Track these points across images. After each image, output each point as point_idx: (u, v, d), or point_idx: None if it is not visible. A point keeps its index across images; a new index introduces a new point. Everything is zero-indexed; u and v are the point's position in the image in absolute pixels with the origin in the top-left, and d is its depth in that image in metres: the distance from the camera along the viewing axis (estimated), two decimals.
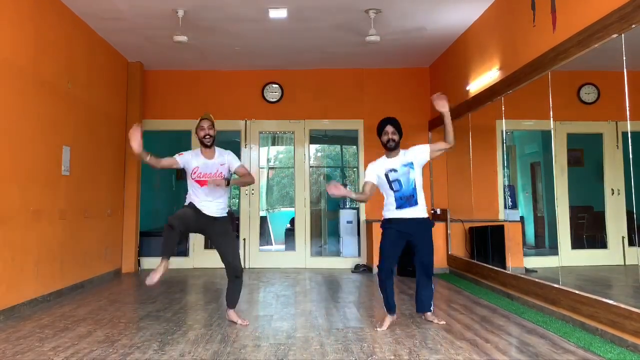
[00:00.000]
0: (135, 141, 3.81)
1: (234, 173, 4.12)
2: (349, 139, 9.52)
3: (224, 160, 4.02)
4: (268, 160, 11.30)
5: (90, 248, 6.18)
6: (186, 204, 4.00)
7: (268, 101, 8.00)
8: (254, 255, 7.79)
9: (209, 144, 3.96)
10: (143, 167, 7.69)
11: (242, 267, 4.08)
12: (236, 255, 4.08)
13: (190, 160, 3.97)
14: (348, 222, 8.15)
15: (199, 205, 3.93)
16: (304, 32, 6.40)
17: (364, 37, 6.04)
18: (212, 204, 3.95)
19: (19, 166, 4.65)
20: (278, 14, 5.76)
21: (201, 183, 3.93)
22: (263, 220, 9.06)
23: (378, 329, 3.90)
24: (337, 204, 9.50)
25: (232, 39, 6.61)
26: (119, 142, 7.26)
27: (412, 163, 3.98)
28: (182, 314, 4.52)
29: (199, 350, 3.38)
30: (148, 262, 7.62)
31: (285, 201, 12.03)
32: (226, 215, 4.07)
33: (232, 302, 4.15)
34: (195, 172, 3.95)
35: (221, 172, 3.98)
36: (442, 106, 4.01)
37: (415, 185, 3.97)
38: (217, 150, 4.04)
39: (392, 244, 4.02)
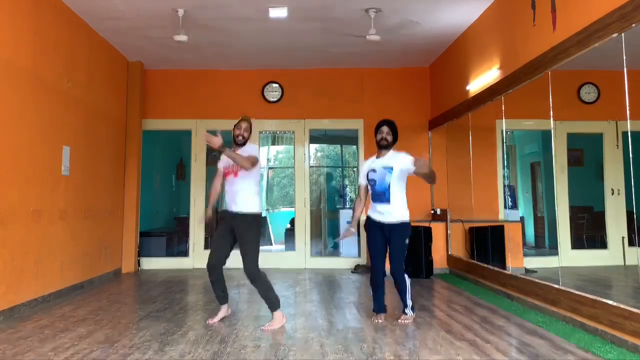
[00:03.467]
0: (216, 141, 3.87)
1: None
2: (349, 138, 9.52)
3: (245, 150, 4.18)
4: (268, 160, 11.31)
5: (90, 248, 6.18)
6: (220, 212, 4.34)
7: (268, 101, 8.00)
8: None
9: (240, 143, 4.20)
10: (143, 167, 7.69)
11: (258, 270, 4.05)
12: (248, 259, 4.03)
13: (222, 159, 4.27)
14: (348, 222, 8.13)
15: (226, 202, 4.19)
16: (304, 31, 6.40)
17: (364, 37, 6.04)
18: (231, 196, 4.12)
19: (19, 166, 4.65)
20: (278, 13, 5.76)
21: (225, 174, 4.20)
22: (263, 220, 9.06)
23: (378, 321, 4.18)
24: (337, 204, 9.51)
25: (232, 38, 6.61)
26: (119, 142, 7.26)
27: (392, 168, 4.16)
28: (182, 315, 4.52)
29: (199, 350, 3.37)
30: (148, 262, 7.63)
31: (285, 201, 12.03)
32: (248, 213, 4.05)
33: (268, 305, 4.11)
34: (223, 163, 4.27)
35: (235, 165, 4.12)
36: (423, 169, 3.97)
37: (389, 187, 4.16)
38: (247, 147, 4.21)
39: (375, 242, 4.26)
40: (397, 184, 4.17)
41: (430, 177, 4.08)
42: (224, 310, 4.27)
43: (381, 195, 4.19)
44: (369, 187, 4.30)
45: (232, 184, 4.12)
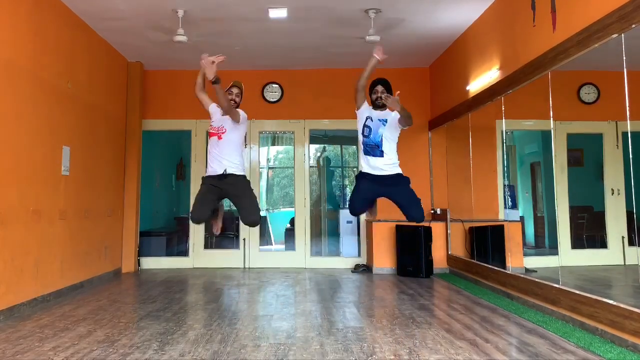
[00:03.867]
0: (210, 71, 3.98)
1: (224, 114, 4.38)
2: (349, 139, 9.52)
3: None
4: (268, 160, 11.30)
5: (90, 248, 6.18)
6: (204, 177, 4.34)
7: (268, 101, 8.00)
8: (254, 255, 7.78)
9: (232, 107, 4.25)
10: (143, 167, 7.69)
11: (260, 217, 4.37)
12: (251, 211, 4.24)
13: (213, 113, 4.38)
14: (348, 222, 8.15)
15: (210, 164, 4.25)
16: (304, 32, 6.40)
17: (364, 37, 6.04)
18: (218, 159, 4.20)
19: (19, 166, 4.65)
20: (278, 13, 5.76)
21: (211, 134, 4.32)
22: (263, 220, 9.06)
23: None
24: (337, 204, 9.50)
25: (232, 39, 6.61)
26: (119, 142, 7.26)
27: (386, 120, 4.20)
28: (182, 314, 4.52)
29: (199, 350, 3.38)
30: (148, 262, 7.63)
31: (285, 201, 12.03)
32: (240, 174, 4.27)
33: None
34: (210, 125, 4.37)
35: (223, 127, 4.26)
36: (395, 106, 4.02)
37: (381, 139, 4.17)
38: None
39: (365, 191, 4.27)
40: (390, 137, 4.19)
41: (405, 114, 4.04)
42: (219, 214, 4.45)
43: (374, 147, 4.18)
44: (362, 138, 4.26)
45: (216, 145, 4.23)
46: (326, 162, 10.35)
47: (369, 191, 4.27)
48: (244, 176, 4.36)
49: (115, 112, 7.10)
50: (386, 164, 4.18)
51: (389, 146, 4.20)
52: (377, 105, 4.26)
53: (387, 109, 4.25)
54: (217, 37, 6.53)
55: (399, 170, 4.23)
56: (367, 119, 4.27)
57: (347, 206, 4.43)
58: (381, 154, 4.18)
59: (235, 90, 4.35)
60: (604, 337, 3.57)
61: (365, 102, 4.34)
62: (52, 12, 5.30)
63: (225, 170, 4.21)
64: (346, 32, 6.39)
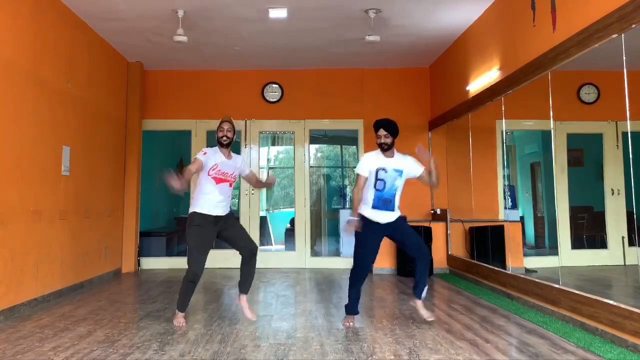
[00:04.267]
0: (177, 183, 3.74)
1: (244, 178, 4.45)
2: (349, 139, 9.52)
3: (237, 163, 4.24)
4: (268, 160, 11.29)
5: (90, 248, 6.18)
6: (192, 213, 4.06)
7: (268, 101, 8.00)
8: None
9: (225, 143, 4.15)
10: (143, 167, 7.69)
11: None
12: (249, 238, 4.31)
13: (211, 157, 4.10)
14: (348, 222, 8.12)
15: (210, 207, 4.04)
16: (304, 32, 6.40)
17: (364, 37, 6.04)
18: (223, 204, 4.12)
19: (19, 166, 4.65)
20: (278, 14, 5.76)
21: (218, 180, 4.09)
22: (263, 220, 9.05)
23: (345, 325, 4.03)
24: (337, 204, 9.50)
25: (232, 39, 6.61)
26: (119, 142, 7.26)
27: (402, 171, 4.06)
28: None
29: (199, 350, 3.38)
30: (148, 262, 7.63)
31: (285, 201, 12.03)
32: (230, 212, 4.28)
33: (245, 286, 4.29)
34: (214, 169, 4.09)
35: (235, 175, 4.21)
36: (432, 167, 4.07)
37: (396, 192, 4.06)
38: (233, 154, 4.26)
39: (372, 240, 4.08)
40: (400, 190, 4.09)
41: (437, 177, 4.13)
42: (180, 317, 4.11)
43: (387, 202, 4.02)
44: (372, 190, 4.03)
45: (225, 191, 4.14)
46: (327, 179, 10.34)
47: (375, 240, 4.08)
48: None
49: (115, 112, 7.10)
50: (394, 216, 4.08)
51: (399, 196, 4.09)
52: (383, 149, 4.06)
53: (398, 156, 4.10)
54: (217, 37, 6.53)
55: (399, 214, 4.15)
56: (379, 171, 4.01)
57: (354, 264, 4.11)
58: (392, 209, 4.04)
59: (226, 126, 4.15)
60: (604, 337, 3.57)
61: (367, 156, 4.13)
62: (52, 13, 5.30)
63: (227, 212, 4.20)
64: (346, 32, 6.39)
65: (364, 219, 4.04)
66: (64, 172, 5.51)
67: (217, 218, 4.08)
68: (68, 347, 3.46)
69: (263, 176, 8.54)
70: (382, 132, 4.05)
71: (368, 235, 4.04)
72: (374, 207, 4.02)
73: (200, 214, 4.04)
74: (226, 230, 4.18)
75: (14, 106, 4.58)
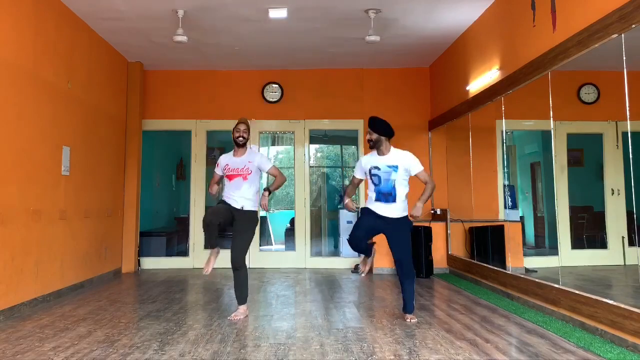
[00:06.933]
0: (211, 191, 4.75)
1: (268, 173, 4.61)
2: (348, 139, 9.51)
3: (252, 159, 4.49)
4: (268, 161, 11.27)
5: (90, 248, 6.18)
6: (220, 200, 4.56)
7: (268, 101, 8.00)
8: (254, 255, 7.78)
9: (241, 143, 4.47)
10: (143, 167, 7.70)
11: (244, 262, 4.36)
12: (238, 248, 4.34)
13: (223, 161, 4.58)
14: (348, 222, 8.15)
15: (227, 199, 4.43)
16: (304, 32, 6.40)
17: (364, 37, 6.04)
18: (236, 197, 4.39)
19: (19, 166, 4.65)
20: (278, 14, 5.76)
21: (229, 177, 4.47)
22: (263, 220, 9.06)
23: (362, 275, 4.45)
24: (337, 204, 9.50)
25: (232, 39, 6.61)
26: (119, 142, 7.26)
27: (396, 166, 4.13)
28: (182, 314, 4.52)
29: (199, 350, 3.38)
30: (148, 262, 7.63)
31: (285, 201, 12.03)
32: (252, 210, 4.44)
33: (237, 297, 4.40)
34: (226, 169, 4.51)
35: (248, 168, 4.44)
36: (418, 212, 4.12)
37: (394, 185, 4.12)
38: (249, 150, 4.59)
39: (367, 223, 4.17)
40: (402, 183, 4.14)
41: (431, 195, 4.22)
42: (214, 253, 4.47)
43: (387, 195, 4.12)
44: (372, 185, 4.21)
45: (239, 186, 4.40)
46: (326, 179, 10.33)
47: (372, 225, 4.17)
48: (256, 212, 4.53)
49: (115, 112, 7.10)
50: (397, 209, 4.13)
51: (402, 190, 4.15)
52: (372, 147, 4.21)
53: (392, 149, 4.19)
54: (217, 37, 6.53)
55: (405, 213, 4.18)
56: (371, 169, 4.21)
57: (347, 239, 4.32)
58: (394, 200, 4.12)
59: (242, 127, 4.48)
60: (604, 337, 3.57)
61: (361, 159, 4.39)
62: (52, 13, 5.30)
63: (242, 206, 4.38)
64: (346, 32, 6.39)
65: (367, 209, 4.23)
66: (64, 172, 5.51)
67: (233, 209, 4.38)
68: (68, 347, 3.46)
69: (263, 177, 8.54)
70: (368, 129, 4.22)
71: (363, 218, 4.22)
72: (376, 199, 4.18)
73: (222, 200, 4.51)
74: (233, 231, 4.41)
75: (14, 106, 4.58)
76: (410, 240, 4.25)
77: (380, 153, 4.19)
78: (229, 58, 7.45)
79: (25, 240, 4.73)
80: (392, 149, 4.21)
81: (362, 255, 4.44)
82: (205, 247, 4.62)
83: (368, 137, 4.20)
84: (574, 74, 5.26)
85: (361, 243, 4.25)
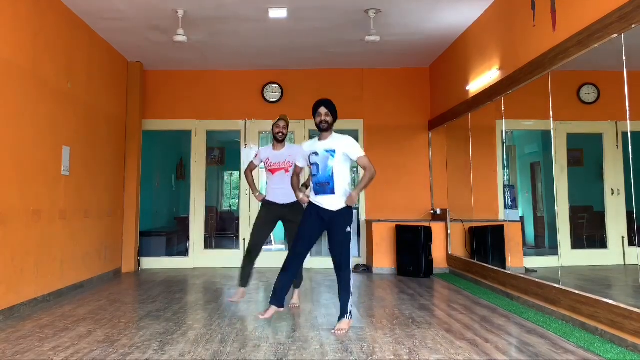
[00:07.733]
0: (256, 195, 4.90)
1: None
2: None
3: (292, 151, 4.67)
4: None
5: (90, 248, 6.18)
6: (264, 200, 4.76)
7: (268, 101, 8.00)
8: None
9: (280, 139, 4.76)
10: (143, 167, 7.70)
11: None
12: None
13: (264, 154, 4.83)
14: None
15: (271, 193, 4.68)
16: (304, 32, 6.40)
17: (364, 37, 6.04)
18: (281, 191, 4.60)
19: (19, 166, 4.65)
20: (278, 13, 5.76)
21: (272, 171, 4.73)
22: None
23: (260, 317, 4.04)
24: None
25: (232, 39, 6.62)
26: (119, 142, 7.26)
27: (334, 150, 3.85)
28: (182, 314, 4.52)
29: (199, 350, 3.38)
30: (148, 262, 7.63)
31: None
32: (293, 202, 4.56)
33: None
34: (267, 162, 4.75)
35: (288, 161, 4.64)
36: (351, 202, 3.89)
37: (332, 173, 3.83)
38: (288, 144, 4.83)
39: (308, 226, 3.93)
40: (341, 171, 3.85)
41: (368, 184, 3.94)
42: (241, 292, 4.83)
43: (325, 185, 3.84)
44: (312, 174, 3.96)
45: (282, 179, 4.60)
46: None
47: (314, 232, 3.94)
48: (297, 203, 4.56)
49: (115, 112, 7.10)
50: (336, 201, 3.84)
51: (341, 179, 3.85)
52: (321, 129, 3.91)
53: (333, 137, 3.94)
54: (217, 37, 6.53)
55: (343, 205, 3.86)
56: (310, 156, 3.93)
57: (287, 257, 4.09)
58: (332, 192, 3.84)
59: (282, 124, 4.74)
60: (604, 337, 3.57)
61: (304, 143, 4.15)
62: (52, 12, 5.30)
63: (285, 201, 4.63)
64: (346, 32, 6.39)
65: (309, 204, 3.99)
66: (64, 172, 5.51)
67: (281, 206, 4.62)
68: (68, 347, 3.46)
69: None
70: (322, 110, 3.93)
71: (306, 217, 3.96)
72: (315, 193, 3.94)
73: (267, 201, 4.71)
74: (288, 223, 4.66)
75: (14, 106, 4.58)
76: (350, 239, 3.92)
77: (321, 138, 3.95)
78: (229, 58, 7.45)
79: (25, 240, 4.73)
80: (334, 133, 3.97)
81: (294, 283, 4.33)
82: (239, 284, 4.85)
83: (323, 118, 3.89)
84: (574, 74, 5.26)
85: (300, 260, 4.00)
